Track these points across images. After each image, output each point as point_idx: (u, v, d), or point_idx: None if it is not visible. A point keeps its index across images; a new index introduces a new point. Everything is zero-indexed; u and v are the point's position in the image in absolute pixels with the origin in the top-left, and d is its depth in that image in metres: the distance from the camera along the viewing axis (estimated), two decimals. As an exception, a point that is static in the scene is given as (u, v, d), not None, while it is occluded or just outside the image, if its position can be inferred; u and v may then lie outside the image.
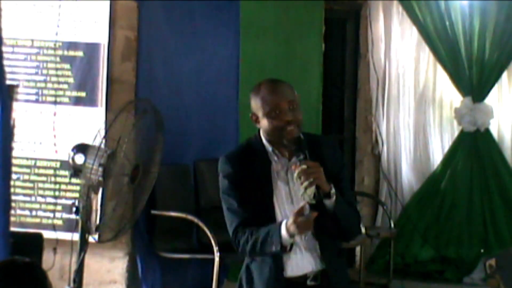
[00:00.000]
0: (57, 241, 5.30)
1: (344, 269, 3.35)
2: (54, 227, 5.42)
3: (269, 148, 3.24)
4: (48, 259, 5.14)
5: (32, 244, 4.92)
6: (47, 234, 5.23)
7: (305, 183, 3.05)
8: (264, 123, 3.21)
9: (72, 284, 4.36)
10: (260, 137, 3.27)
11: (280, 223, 3.09)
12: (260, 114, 3.21)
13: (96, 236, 4.58)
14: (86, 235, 4.40)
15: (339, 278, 3.25)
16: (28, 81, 5.71)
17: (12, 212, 4.82)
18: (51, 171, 5.65)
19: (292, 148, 3.16)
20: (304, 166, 3.06)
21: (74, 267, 4.42)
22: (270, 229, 3.11)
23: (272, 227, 3.11)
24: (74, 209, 4.40)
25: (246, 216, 3.19)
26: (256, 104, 3.22)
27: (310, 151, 3.17)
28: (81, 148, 4.43)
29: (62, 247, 5.22)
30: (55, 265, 5.24)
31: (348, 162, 7.63)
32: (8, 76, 4.89)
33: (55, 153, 5.61)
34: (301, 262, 3.20)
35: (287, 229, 3.06)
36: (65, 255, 5.07)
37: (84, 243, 4.38)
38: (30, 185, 5.66)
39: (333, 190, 3.10)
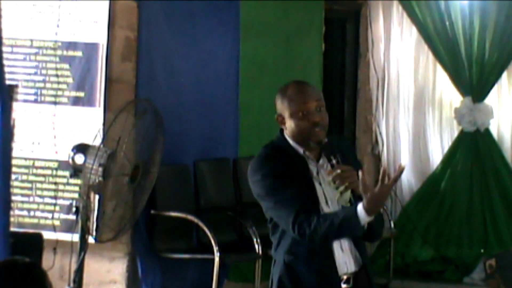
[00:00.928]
0: (57, 241, 5.29)
1: (372, 272, 3.31)
2: (54, 228, 5.41)
3: (299, 149, 3.17)
4: (48, 259, 5.13)
5: (32, 244, 4.91)
6: (45, 234, 5.21)
7: (341, 188, 3.02)
8: (290, 124, 3.15)
9: (72, 284, 4.35)
10: (285, 139, 3.20)
11: (355, 207, 3.00)
12: (286, 115, 3.15)
13: (96, 236, 4.57)
14: (86, 235, 4.39)
15: (373, 278, 3.26)
16: (27, 81, 5.69)
17: (11, 212, 4.81)
18: (49, 171, 5.64)
19: (324, 151, 3.12)
20: (338, 171, 3.03)
21: (74, 267, 4.41)
22: (345, 214, 3.02)
23: (346, 212, 3.02)
24: (74, 209, 4.39)
25: (302, 205, 3.09)
26: (282, 104, 3.17)
27: (334, 152, 3.13)
28: (81, 148, 4.42)
29: (62, 247, 5.21)
30: (55, 265, 5.23)
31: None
32: (7, 76, 4.88)
33: (55, 153, 5.59)
34: (338, 263, 3.16)
35: (367, 209, 2.97)
36: (65, 255, 5.06)
37: (84, 243, 4.37)
38: (28, 185, 5.65)
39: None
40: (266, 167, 3.15)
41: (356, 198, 3.04)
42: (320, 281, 3.13)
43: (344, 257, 3.17)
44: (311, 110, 3.12)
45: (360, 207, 2.98)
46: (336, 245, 3.15)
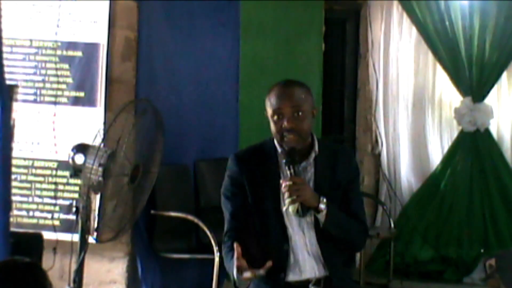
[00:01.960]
0: (57, 241, 5.28)
1: (350, 278, 3.31)
2: (54, 228, 5.41)
3: (279, 150, 3.20)
4: (48, 259, 5.13)
5: (32, 244, 4.91)
6: (44, 234, 5.21)
7: (288, 200, 3.05)
8: (270, 124, 3.19)
9: (72, 284, 4.35)
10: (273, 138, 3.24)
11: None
12: (268, 115, 3.19)
13: (96, 236, 4.57)
14: (86, 235, 4.39)
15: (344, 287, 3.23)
16: (27, 81, 5.69)
17: (10, 212, 4.81)
18: (48, 172, 5.64)
19: (287, 158, 3.12)
20: (289, 183, 3.06)
21: (74, 267, 4.41)
22: (230, 265, 3.09)
23: (231, 264, 3.07)
24: (74, 209, 4.39)
25: (234, 226, 3.21)
26: (266, 104, 3.20)
27: (324, 158, 3.17)
28: (81, 148, 4.42)
29: (62, 247, 5.21)
30: (55, 265, 5.23)
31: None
32: (6, 76, 4.87)
33: (55, 153, 5.59)
34: (303, 267, 3.18)
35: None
36: (65, 255, 5.06)
37: (84, 243, 4.37)
38: (28, 185, 5.65)
39: (322, 206, 3.09)
40: (232, 169, 3.25)
41: (305, 210, 3.08)
42: (258, 286, 3.20)
43: (311, 262, 3.18)
44: (287, 115, 3.12)
45: (235, 269, 3.03)
46: (302, 248, 3.18)
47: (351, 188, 3.23)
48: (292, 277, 3.19)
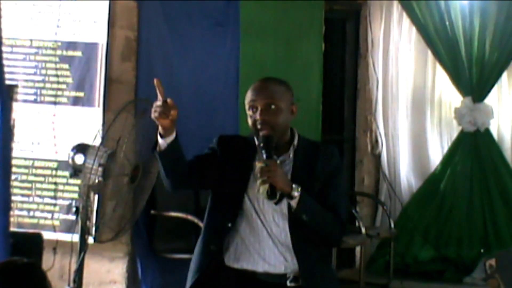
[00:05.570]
0: (57, 241, 5.29)
1: (327, 274, 3.26)
2: (54, 228, 5.41)
3: (257, 142, 3.27)
4: (48, 259, 5.13)
5: (32, 245, 4.91)
6: (44, 234, 5.22)
7: (259, 181, 3.09)
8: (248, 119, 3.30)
9: (72, 284, 4.34)
10: None
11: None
12: (246, 110, 3.31)
13: (96, 236, 4.57)
14: (86, 235, 4.39)
15: (318, 284, 3.20)
16: (27, 81, 5.70)
17: (10, 212, 4.81)
18: (49, 172, 5.65)
19: (264, 144, 3.19)
20: (262, 164, 3.11)
21: (74, 267, 4.41)
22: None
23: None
24: (74, 209, 4.39)
25: (191, 160, 3.33)
26: (245, 99, 3.32)
27: (304, 152, 3.24)
28: (81, 148, 4.41)
29: (62, 247, 5.22)
30: (55, 265, 5.23)
31: (348, 162, 7.63)
32: (6, 76, 4.88)
33: (54, 153, 5.60)
34: (276, 260, 3.19)
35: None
36: (65, 255, 5.07)
37: (83, 243, 4.37)
38: (28, 185, 5.66)
39: (295, 193, 3.11)
40: (213, 143, 3.41)
41: (274, 193, 3.10)
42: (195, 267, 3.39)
43: (283, 254, 3.19)
44: (260, 108, 3.20)
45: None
46: (274, 240, 3.19)
47: (330, 184, 3.24)
48: (258, 267, 3.21)
